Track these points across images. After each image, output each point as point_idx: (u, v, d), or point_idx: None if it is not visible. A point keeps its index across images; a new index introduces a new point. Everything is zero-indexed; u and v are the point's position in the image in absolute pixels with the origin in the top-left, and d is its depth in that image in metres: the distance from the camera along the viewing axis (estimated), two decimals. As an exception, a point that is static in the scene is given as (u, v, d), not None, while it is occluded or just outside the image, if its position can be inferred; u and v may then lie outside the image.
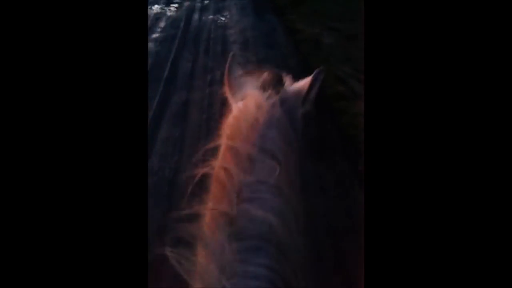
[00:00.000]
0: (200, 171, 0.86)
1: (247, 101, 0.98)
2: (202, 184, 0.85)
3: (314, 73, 1.07)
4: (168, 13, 5.79)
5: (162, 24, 5.32)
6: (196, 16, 5.60)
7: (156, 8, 6.09)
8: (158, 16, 5.65)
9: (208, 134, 3.43)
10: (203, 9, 5.94)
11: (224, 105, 1.09)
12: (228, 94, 1.10)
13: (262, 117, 0.91)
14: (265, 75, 1.09)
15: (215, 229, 0.71)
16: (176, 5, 6.19)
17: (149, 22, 5.29)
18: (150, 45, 4.51)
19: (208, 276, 0.64)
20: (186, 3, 6.26)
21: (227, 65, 1.16)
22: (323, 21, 5.49)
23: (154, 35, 4.86)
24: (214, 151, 0.92)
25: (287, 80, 1.11)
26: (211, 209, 0.76)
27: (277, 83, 1.05)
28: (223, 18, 5.51)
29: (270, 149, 0.86)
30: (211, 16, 5.58)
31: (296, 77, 1.13)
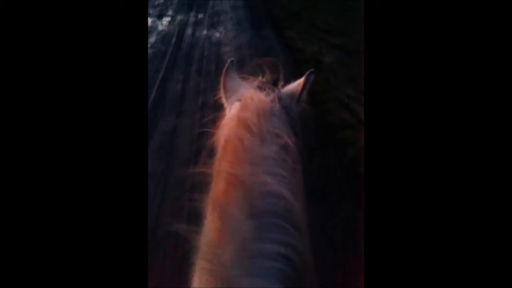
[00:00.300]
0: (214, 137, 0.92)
1: (248, 96, 1.03)
2: (212, 151, 0.87)
3: (305, 75, 1.15)
4: (160, 28, 5.48)
5: (152, 39, 5.00)
6: (189, 31, 5.30)
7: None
8: (148, 31, 5.33)
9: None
10: (197, 24, 5.64)
11: (218, 107, 1.12)
12: (223, 98, 1.16)
13: (267, 107, 0.97)
14: (260, 78, 1.18)
15: (230, 202, 0.70)
16: (168, 19, 5.88)
17: (138, 37, 4.97)
18: (138, 62, 4.17)
19: (224, 257, 0.62)
20: (179, 17, 5.96)
21: (224, 69, 1.22)
22: (322, 36, 5.22)
23: (143, 52, 4.52)
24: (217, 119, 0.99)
25: (281, 83, 1.20)
26: (224, 172, 0.77)
27: (272, 85, 1.14)
28: (217, 34, 5.20)
29: (278, 132, 0.91)
30: (205, 32, 5.27)
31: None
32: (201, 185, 0.75)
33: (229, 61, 1.32)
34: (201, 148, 3.31)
